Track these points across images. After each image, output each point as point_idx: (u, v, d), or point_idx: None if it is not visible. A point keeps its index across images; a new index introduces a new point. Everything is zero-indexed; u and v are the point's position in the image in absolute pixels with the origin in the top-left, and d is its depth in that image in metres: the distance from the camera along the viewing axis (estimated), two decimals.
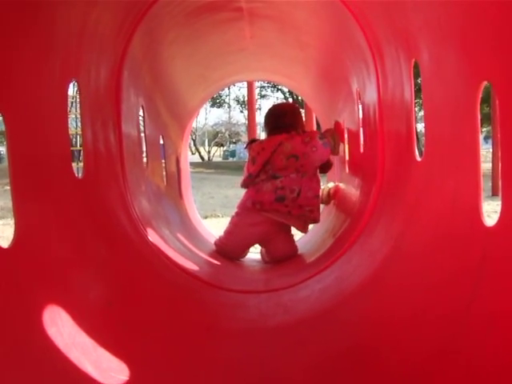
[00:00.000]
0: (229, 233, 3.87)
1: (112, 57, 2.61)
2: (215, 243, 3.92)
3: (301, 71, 4.75)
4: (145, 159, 3.55)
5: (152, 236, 2.81)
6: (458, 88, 1.58)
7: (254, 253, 4.20)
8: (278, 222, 3.76)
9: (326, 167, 4.04)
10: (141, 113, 3.46)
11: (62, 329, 1.54)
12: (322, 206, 4.13)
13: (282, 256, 3.79)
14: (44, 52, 1.80)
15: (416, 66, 2.08)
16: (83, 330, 1.64)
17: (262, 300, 2.61)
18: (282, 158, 3.66)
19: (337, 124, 4.09)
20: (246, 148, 4.06)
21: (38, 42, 1.73)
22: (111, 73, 2.61)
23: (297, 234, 4.06)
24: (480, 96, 1.44)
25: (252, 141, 4.03)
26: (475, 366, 1.25)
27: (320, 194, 3.89)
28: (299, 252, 3.86)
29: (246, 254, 4.04)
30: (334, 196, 4.35)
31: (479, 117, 1.47)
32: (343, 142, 3.99)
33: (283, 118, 3.95)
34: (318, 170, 3.95)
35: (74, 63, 2.12)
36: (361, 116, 3.37)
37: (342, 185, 4.17)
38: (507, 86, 1.23)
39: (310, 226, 4.03)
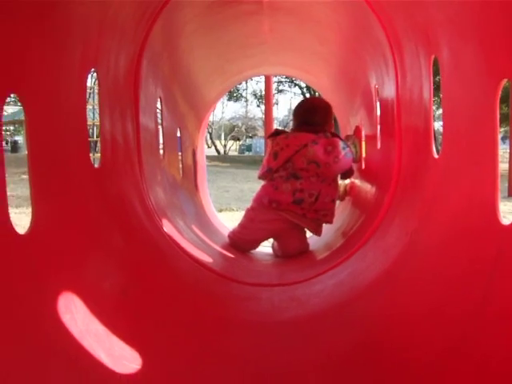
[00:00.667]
0: (243, 227, 3.87)
1: (132, 46, 2.61)
2: (229, 235, 3.93)
3: (319, 66, 4.73)
4: (161, 151, 3.55)
5: (167, 226, 2.82)
6: (478, 85, 1.57)
7: (266, 246, 4.20)
8: (293, 221, 3.77)
9: (347, 174, 4.03)
10: (158, 105, 3.47)
11: (76, 316, 1.55)
12: (337, 203, 4.12)
13: (294, 252, 3.79)
14: (64, 40, 1.80)
15: (435, 64, 2.07)
16: (97, 317, 1.65)
17: (275, 293, 2.61)
18: (303, 160, 3.64)
19: (357, 130, 4.07)
20: (269, 138, 4.01)
21: (57, 30, 1.73)
22: (130, 62, 2.62)
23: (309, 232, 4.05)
24: (499, 94, 1.43)
25: (277, 133, 3.98)
26: (488, 365, 1.25)
27: (337, 195, 3.89)
28: (311, 249, 3.86)
29: (257, 247, 4.05)
30: (350, 192, 4.34)
31: (498, 115, 1.46)
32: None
33: (314, 115, 3.91)
34: (340, 176, 3.96)
35: (93, 52, 2.12)
36: (378, 112, 3.36)
37: (357, 181, 4.15)
38: None
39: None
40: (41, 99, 1.64)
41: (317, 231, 3.91)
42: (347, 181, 4.36)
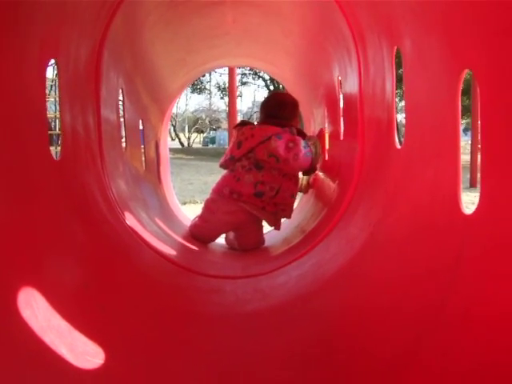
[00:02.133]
0: (205, 220, 3.86)
1: (93, 37, 2.57)
2: (190, 228, 3.91)
3: (283, 58, 4.73)
4: (124, 144, 3.51)
5: (129, 219, 2.79)
6: (440, 75, 1.58)
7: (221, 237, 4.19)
8: (252, 212, 3.77)
9: (309, 172, 4.03)
10: (120, 97, 3.42)
11: (36, 311, 1.52)
12: (299, 195, 4.14)
13: (252, 246, 3.83)
14: (22, 29, 1.76)
15: (397, 57, 2.08)
16: (58, 313, 1.62)
17: (239, 285, 2.61)
18: (264, 152, 3.64)
19: (321, 132, 4.09)
20: (235, 128, 4.01)
21: (15, 17, 1.69)
22: (91, 53, 2.58)
23: (266, 227, 4.08)
24: (461, 84, 1.44)
25: (243, 123, 3.99)
26: (451, 357, 1.25)
27: (297, 191, 3.92)
28: (271, 243, 3.88)
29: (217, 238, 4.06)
30: (313, 185, 4.36)
31: (460, 105, 1.47)
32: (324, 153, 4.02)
33: (282, 110, 3.90)
34: (302, 173, 3.98)
35: (54, 42, 2.08)
36: (341, 104, 3.37)
37: (320, 174, 4.17)
38: (488, 73, 1.23)
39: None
40: None
41: (276, 224, 3.94)
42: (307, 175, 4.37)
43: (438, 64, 1.59)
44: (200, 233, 3.84)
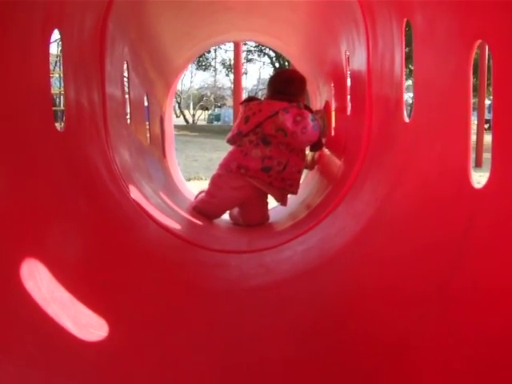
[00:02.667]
0: (212, 195, 3.84)
1: (97, 7, 2.53)
2: (196, 204, 3.89)
3: (289, 32, 4.68)
4: (129, 119, 3.49)
5: (133, 192, 2.77)
6: (451, 47, 1.54)
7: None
8: (259, 188, 3.75)
9: (316, 147, 4.01)
10: (125, 73, 3.40)
11: (40, 283, 1.51)
12: (305, 172, 4.13)
13: (257, 221, 3.83)
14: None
15: (407, 34, 2.05)
16: (62, 284, 1.61)
17: (244, 260, 2.60)
18: (272, 127, 3.63)
19: (327, 104, 4.06)
20: (242, 103, 3.99)
21: None
22: (95, 25, 2.54)
23: (271, 203, 4.07)
24: (473, 55, 1.41)
25: (250, 99, 3.97)
26: (459, 333, 1.24)
27: (303, 166, 3.92)
28: (276, 219, 3.87)
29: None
30: (319, 161, 4.33)
31: (472, 77, 1.44)
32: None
33: (289, 85, 3.89)
34: (309, 148, 3.96)
35: (57, 11, 2.05)
36: (349, 80, 3.33)
37: (326, 150, 4.14)
38: (503, 44, 1.20)
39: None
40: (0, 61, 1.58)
41: (282, 200, 3.93)
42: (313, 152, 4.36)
43: (450, 35, 1.56)
44: (206, 208, 3.82)
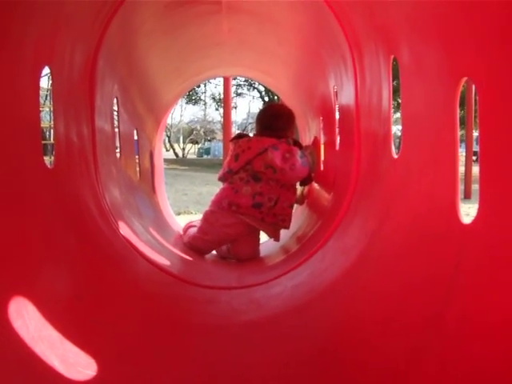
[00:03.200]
0: (204, 232, 3.82)
1: (87, 45, 2.55)
2: (189, 239, 3.87)
3: (278, 67, 4.73)
4: (118, 154, 3.50)
5: (123, 228, 2.76)
6: (438, 84, 1.56)
7: None
8: (252, 225, 3.75)
9: (306, 181, 4.04)
10: (115, 106, 3.41)
11: (28, 321, 1.50)
12: (295, 207, 4.14)
13: (247, 256, 3.81)
14: (17, 36, 1.74)
15: (393, 68, 2.07)
16: (50, 323, 1.59)
17: (234, 296, 2.59)
18: (261, 164, 3.65)
19: (316, 140, 4.09)
20: (231, 141, 4.01)
21: (11, 25, 1.67)
22: (86, 61, 2.56)
23: (262, 237, 4.08)
24: (460, 92, 1.43)
25: (239, 136, 3.99)
26: (449, 369, 1.24)
27: (294, 202, 3.93)
28: (267, 253, 3.86)
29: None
30: (308, 195, 4.34)
31: (458, 114, 1.46)
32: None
33: (278, 121, 3.93)
34: (298, 183, 3.99)
35: (47, 49, 2.06)
36: (337, 114, 3.36)
37: (316, 185, 4.16)
38: (487, 81, 1.22)
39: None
40: None
41: (275, 235, 3.92)
42: (302, 188, 4.37)
43: (436, 72, 1.57)
44: (199, 244, 3.82)
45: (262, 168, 3.64)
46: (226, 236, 3.80)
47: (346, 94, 2.94)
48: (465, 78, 1.37)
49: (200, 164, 32.60)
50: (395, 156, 2.07)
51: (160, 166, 5.39)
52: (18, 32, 1.73)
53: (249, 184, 3.69)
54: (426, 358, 1.33)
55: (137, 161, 4.22)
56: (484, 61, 1.23)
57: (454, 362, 1.22)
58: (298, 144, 3.86)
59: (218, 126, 45.19)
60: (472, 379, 1.15)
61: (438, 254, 1.47)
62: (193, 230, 3.96)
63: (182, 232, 4.26)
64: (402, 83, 1.88)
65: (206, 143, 55.02)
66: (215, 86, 40.83)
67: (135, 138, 4.17)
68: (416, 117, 1.79)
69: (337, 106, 3.35)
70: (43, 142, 2.22)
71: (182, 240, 3.98)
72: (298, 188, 4.28)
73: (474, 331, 1.20)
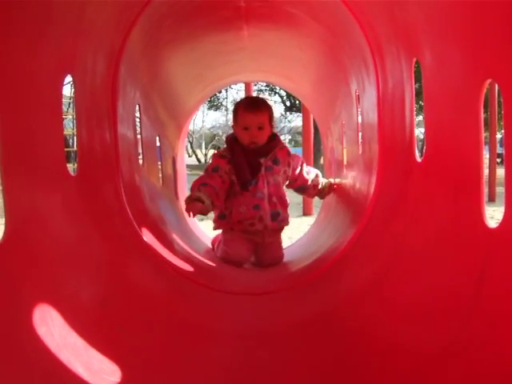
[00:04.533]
0: (228, 245, 3.76)
1: (109, 52, 2.57)
2: (220, 255, 3.83)
3: (300, 72, 4.72)
4: (141, 160, 3.51)
5: (146, 235, 2.77)
6: (461, 86, 1.54)
7: None
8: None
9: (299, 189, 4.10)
10: (137, 113, 3.42)
11: (52, 329, 1.50)
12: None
13: (271, 261, 3.78)
14: (39, 45, 1.76)
15: (416, 71, 2.05)
16: (75, 330, 1.60)
17: (259, 302, 2.57)
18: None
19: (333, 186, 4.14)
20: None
21: (32, 34, 1.69)
22: (108, 69, 2.57)
23: (285, 242, 4.05)
24: (484, 94, 1.41)
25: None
26: (478, 368, 1.23)
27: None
28: (293, 257, 3.84)
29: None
30: (334, 190, 4.23)
31: (482, 116, 1.44)
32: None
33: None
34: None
35: (69, 57, 2.08)
36: (360, 118, 3.34)
37: (343, 182, 4.11)
38: None
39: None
40: (14, 105, 1.59)
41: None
42: (332, 179, 4.29)
43: (459, 75, 1.56)
44: (229, 259, 3.75)
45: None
46: (248, 247, 3.77)
47: (368, 98, 2.92)
48: (489, 80, 1.35)
49: None
50: (419, 160, 2.05)
51: (182, 172, 5.40)
52: (39, 41, 1.75)
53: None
54: (452, 363, 1.32)
55: (159, 167, 4.23)
56: (508, 62, 1.21)
57: (481, 368, 1.21)
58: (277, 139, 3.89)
59: None
60: (500, 377, 1.14)
61: (464, 258, 1.46)
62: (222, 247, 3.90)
63: (210, 246, 4.23)
64: (424, 86, 1.86)
65: None
66: (237, 92, 40.89)
67: (157, 144, 4.18)
68: (439, 120, 1.78)
69: (359, 110, 3.34)
70: (66, 149, 2.24)
71: (215, 254, 3.95)
72: (324, 181, 4.18)
73: (501, 337, 1.18)
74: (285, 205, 3.81)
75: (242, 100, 4.13)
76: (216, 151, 3.95)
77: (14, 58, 1.59)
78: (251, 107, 3.75)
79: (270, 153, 3.76)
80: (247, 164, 3.67)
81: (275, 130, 4.04)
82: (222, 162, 3.69)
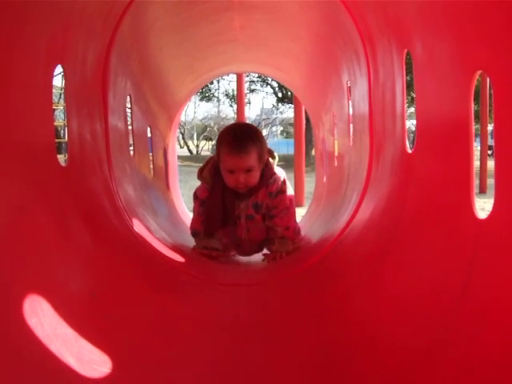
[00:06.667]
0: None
1: (99, 43, 2.56)
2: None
3: (291, 63, 4.71)
4: (132, 152, 3.50)
5: (137, 226, 2.76)
6: (452, 77, 1.55)
7: None
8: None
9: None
10: (128, 104, 3.41)
11: (42, 319, 1.50)
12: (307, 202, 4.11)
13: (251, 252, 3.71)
14: (29, 35, 1.74)
15: (406, 62, 2.06)
16: (65, 320, 1.60)
17: (252, 293, 2.57)
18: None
19: None
20: None
21: (23, 25, 1.68)
22: (98, 59, 2.56)
23: None
24: (474, 86, 1.41)
25: None
26: (466, 358, 1.24)
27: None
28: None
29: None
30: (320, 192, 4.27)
31: (473, 107, 1.44)
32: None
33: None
34: None
35: (60, 47, 2.07)
36: (351, 109, 3.34)
37: (329, 180, 4.11)
38: (502, 74, 1.20)
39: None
40: (3, 96, 1.58)
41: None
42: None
43: (450, 66, 1.56)
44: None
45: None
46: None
47: (359, 89, 2.92)
48: (479, 72, 1.36)
49: None
50: (409, 151, 2.05)
51: (174, 163, 5.40)
52: (30, 31, 1.74)
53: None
54: (441, 354, 1.33)
55: (150, 158, 4.23)
56: (498, 54, 1.22)
57: (470, 354, 1.22)
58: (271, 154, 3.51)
59: (232, 122, 45.11)
60: (487, 371, 1.14)
61: (454, 248, 1.47)
62: None
63: None
64: (415, 77, 1.87)
65: None
66: (228, 83, 40.81)
67: (149, 135, 4.18)
68: (430, 111, 1.78)
69: (350, 101, 3.34)
70: (57, 140, 2.23)
71: None
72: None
73: (489, 326, 1.19)
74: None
75: (225, 134, 3.33)
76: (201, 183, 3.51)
77: (7, 50, 1.58)
78: (236, 150, 3.11)
79: (253, 194, 3.33)
80: (222, 209, 3.32)
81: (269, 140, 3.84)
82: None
